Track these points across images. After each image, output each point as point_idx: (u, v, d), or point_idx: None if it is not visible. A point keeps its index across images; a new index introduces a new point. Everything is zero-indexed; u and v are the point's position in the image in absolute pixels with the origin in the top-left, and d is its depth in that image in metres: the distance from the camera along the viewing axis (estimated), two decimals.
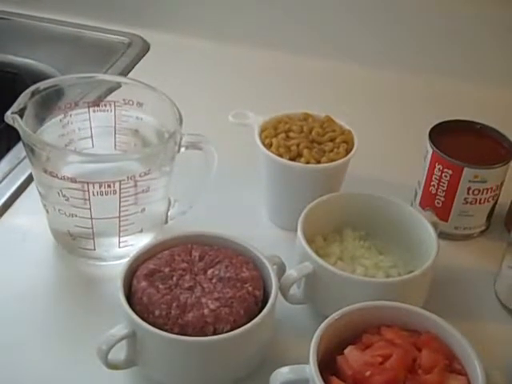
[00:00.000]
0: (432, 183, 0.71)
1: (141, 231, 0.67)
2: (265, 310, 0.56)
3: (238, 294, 0.56)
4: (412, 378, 0.51)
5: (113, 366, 0.56)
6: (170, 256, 0.59)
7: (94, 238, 0.65)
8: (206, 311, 0.55)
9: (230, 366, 0.57)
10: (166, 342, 0.54)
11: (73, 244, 0.67)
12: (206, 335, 0.54)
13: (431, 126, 0.72)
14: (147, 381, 0.58)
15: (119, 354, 0.56)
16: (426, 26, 0.97)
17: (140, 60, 0.99)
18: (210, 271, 0.58)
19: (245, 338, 0.55)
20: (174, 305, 0.55)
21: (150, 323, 0.54)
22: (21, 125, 0.62)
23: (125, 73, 0.95)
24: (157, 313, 0.55)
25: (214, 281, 0.57)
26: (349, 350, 0.53)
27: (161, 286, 0.56)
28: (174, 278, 0.57)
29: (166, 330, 0.54)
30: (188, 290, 0.56)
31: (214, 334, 0.54)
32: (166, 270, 0.58)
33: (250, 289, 0.57)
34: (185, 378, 0.57)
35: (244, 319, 0.55)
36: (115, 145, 0.70)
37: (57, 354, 0.60)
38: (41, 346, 0.61)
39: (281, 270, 0.62)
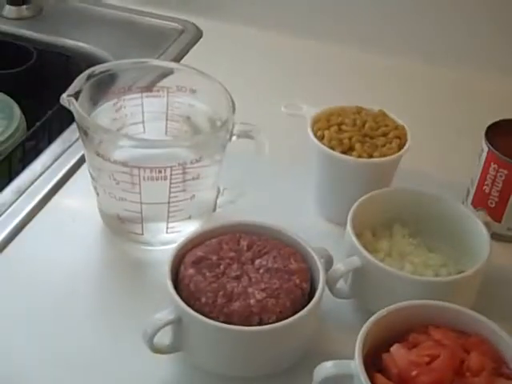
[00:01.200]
0: (486, 183, 0.70)
1: (189, 218, 0.67)
2: (311, 303, 0.55)
3: (285, 285, 0.56)
4: (459, 380, 0.50)
5: (157, 350, 0.56)
6: (217, 244, 0.59)
7: (142, 223, 0.66)
8: (252, 301, 0.55)
9: (274, 357, 0.56)
10: (211, 330, 0.54)
11: (121, 227, 0.67)
12: (252, 325, 0.54)
13: (488, 125, 0.71)
14: (190, 366, 0.58)
15: (164, 338, 0.56)
16: (490, 25, 0.95)
17: (192, 47, 0.99)
18: (257, 261, 0.58)
19: (290, 330, 0.55)
20: (221, 293, 0.55)
21: (195, 310, 0.54)
22: (76, 108, 0.62)
23: (177, 59, 0.96)
24: (203, 300, 0.55)
25: (261, 271, 0.57)
26: (395, 348, 0.52)
27: (208, 274, 0.56)
28: (222, 267, 0.57)
29: (211, 318, 0.54)
30: (235, 279, 0.56)
31: (260, 324, 0.54)
32: (214, 258, 0.58)
33: (298, 281, 0.56)
34: (228, 367, 0.57)
35: (290, 311, 0.55)
36: (166, 131, 0.70)
37: (101, 337, 0.61)
38: (86, 329, 0.61)
39: (328, 263, 0.61)
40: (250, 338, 0.54)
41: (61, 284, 0.64)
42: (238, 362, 0.56)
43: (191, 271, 0.56)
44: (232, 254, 0.58)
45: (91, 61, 0.95)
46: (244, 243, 0.59)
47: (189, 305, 0.55)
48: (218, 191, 0.69)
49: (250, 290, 0.55)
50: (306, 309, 0.55)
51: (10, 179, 0.75)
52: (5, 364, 0.58)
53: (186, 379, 0.58)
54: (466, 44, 0.96)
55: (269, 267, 0.57)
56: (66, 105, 0.63)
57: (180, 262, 0.58)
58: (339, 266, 0.60)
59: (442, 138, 0.85)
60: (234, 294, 0.55)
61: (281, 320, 0.54)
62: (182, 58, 0.96)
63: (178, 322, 0.55)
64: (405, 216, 0.67)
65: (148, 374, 0.57)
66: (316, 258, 0.58)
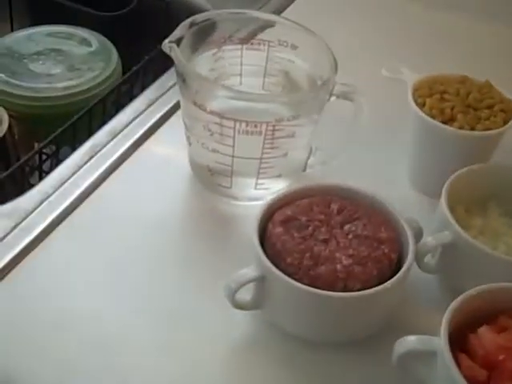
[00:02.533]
0: None
1: (279, 176, 0.66)
2: (399, 275, 0.54)
3: (374, 254, 0.55)
4: None
5: (238, 306, 0.56)
6: (308, 205, 0.58)
7: (232, 176, 0.65)
8: (338, 266, 0.54)
9: (354, 325, 0.56)
10: (294, 292, 0.53)
11: (210, 179, 0.67)
12: (336, 291, 0.53)
13: None
14: (268, 325, 0.58)
15: (244, 294, 0.56)
16: None
17: (295, 0, 0.97)
18: (347, 226, 0.56)
19: (374, 300, 0.54)
20: (307, 255, 0.54)
21: (280, 270, 0.54)
22: (177, 54, 0.62)
23: (278, 12, 0.93)
24: (289, 260, 0.54)
25: (350, 237, 0.56)
26: (483, 330, 0.50)
27: (296, 235, 0.55)
28: (310, 229, 0.56)
29: (295, 279, 0.53)
30: (323, 242, 0.55)
31: (344, 290, 0.53)
32: (303, 218, 0.57)
33: (386, 250, 0.55)
34: (305, 329, 0.57)
35: (376, 280, 0.54)
36: (263, 85, 0.69)
37: (183, 286, 0.61)
38: (168, 275, 0.61)
39: (417, 235, 0.60)
40: (334, 303, 0.53)
41: (147, 230, 0.65)
42: (317, 326, 0.56)
43: (279, 230, 0.56)
44: (322, 217, 0.57)
45: (190, 9, 0.94)
46: (335, 207, 0.58)
47: (274, 264, 0.54)
48: (310, 151, 0.68)
49: (337, 254, 0.54)
50: (393, 279, 0.54)
51: (104, 122, 0.76)
52: (89, 308, 0.58)
53: (262, 337, 0.58)
54: None
55: (358, 233, 0.56)
56: (167, 51, 0.63)
57: (268, 220, 0.57)
58: (429, 240, 0.59)
59: None
60: (321, 257, 0.54)
61: (366, 288, 0.53)
62: (283, 10, 0.94)
63: (261, 280, 0.54)
64: (502, 194, 0.64)
65: (226, 328, 0.58)
66: (407, 229, 0.57)
